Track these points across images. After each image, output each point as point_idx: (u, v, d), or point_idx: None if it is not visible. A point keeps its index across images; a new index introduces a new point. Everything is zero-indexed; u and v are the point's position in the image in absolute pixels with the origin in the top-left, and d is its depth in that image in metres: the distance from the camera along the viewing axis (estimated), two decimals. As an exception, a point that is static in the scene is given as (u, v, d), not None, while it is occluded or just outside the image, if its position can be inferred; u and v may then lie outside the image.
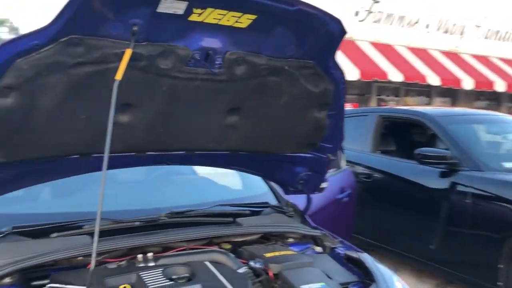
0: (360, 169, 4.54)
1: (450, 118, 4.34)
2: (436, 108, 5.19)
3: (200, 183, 2.69)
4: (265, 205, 2.28)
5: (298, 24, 1.55)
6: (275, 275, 1.75)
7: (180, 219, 1.92)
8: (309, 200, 2.28)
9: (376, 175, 4.47)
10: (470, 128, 4.29)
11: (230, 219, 2.03)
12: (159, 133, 1.74)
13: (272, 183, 2.52)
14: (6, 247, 1.57)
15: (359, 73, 11.18)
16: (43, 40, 1.26)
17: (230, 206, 2.18)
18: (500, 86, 13.59)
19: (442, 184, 3.79)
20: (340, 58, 11.24)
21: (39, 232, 1.70)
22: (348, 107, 12.06)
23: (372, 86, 13.24)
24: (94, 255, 1.28)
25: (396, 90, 13.79)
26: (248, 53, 1.60)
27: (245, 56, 1.60)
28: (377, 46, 12.61)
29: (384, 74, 11.72)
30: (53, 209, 2.06)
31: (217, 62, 1.56)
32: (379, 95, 13.66)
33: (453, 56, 13.95)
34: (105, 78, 1.39)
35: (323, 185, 2.67)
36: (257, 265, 1.79)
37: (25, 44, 1.25)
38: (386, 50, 12.62)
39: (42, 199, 2.17)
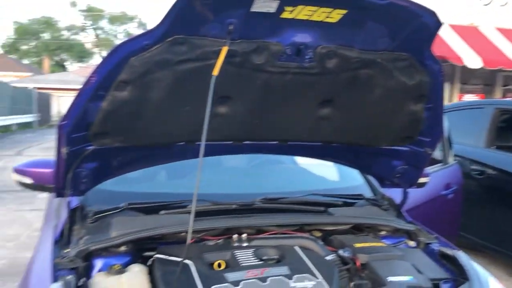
0: (472, 165, 4.27)
1: None
2: None
3: (297, 173, 2.78)
4: (359, 197, 2.30)
5: (389, 18, 1.55)
6: (363, 265, 1.79)
7: (274, 205, 2.04)
8: (405, 195, 2.25)
9: (491, 171, 4.16)
10: None
11: (322, 208, 2.10)
12: (255, 123, 1.87)
13: (369, 176, 2.52)
14: (122, 221, 1.82)
15: (482, 61, 10.34)
16: (152, 40, 1.43)
17: (323, 196, 2.23)
18: None
19: None
20: (461, 45, 10.55)
21: (150, 209, 1.93)
22: (473, 98, 11.24)
23: (497, 76, 12.15)
24: (190, 231, 1.44)
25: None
26: (340, 47, 1.64)
27: (336, 49, 1.64)
28: (504, 32, 11.54)
29: (510, 62, 10.70)
30: (163, 189, 2.30)
31: (308, 56, 1.63)
32: (506, 86, 12.49)
33: None
34: (205, 73, 1.53)
35: (423, 180, 2.61)
36: (345, 254, 1.84)
37: (137, 45, 1.44)
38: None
39: (155, 180, 2.43)
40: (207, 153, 2.06)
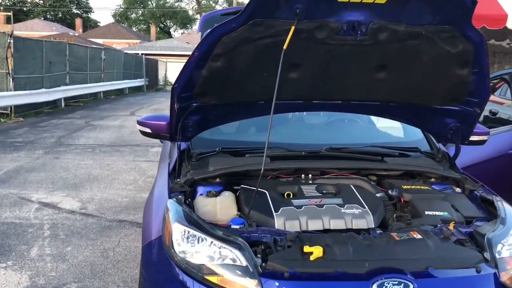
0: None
1: None
2: None
3: (367, 129, 3.18)
4: (415, 149, 2.66)
5: None
6: (406, 201, 2.20)
7: (337, 153, 2.49)
8: (457, 149, 2.56)
9: None
10: None
11: (379, 157, 2.50)
12: (320, 86, 2.31)
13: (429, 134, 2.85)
14: (217, 160, 2.39)
15: None
16: (238, 24, 1.92)
17: (382, 148, 2.63)
18: None
19: None
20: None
21: (238, 153, 2.49)
22: None
23: None
24: (263, 165, 1.95)
25: None
26: (389, 22, 2.00)
27: (386, 24, 2.00)
28: None
29: None
30: (249, 139, 2.85)
31: (362, 31, 2.01)
32: None
33: None
34: (278, 47, 1.99)
35: (483, 137, 2.88)
36: (393, 193, 2.25)
37: (228, 27, 1.94)
38: None
39: (243, 131, 2.99)
40: (283, 110, 2.58)
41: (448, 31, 2.03)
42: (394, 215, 2.10)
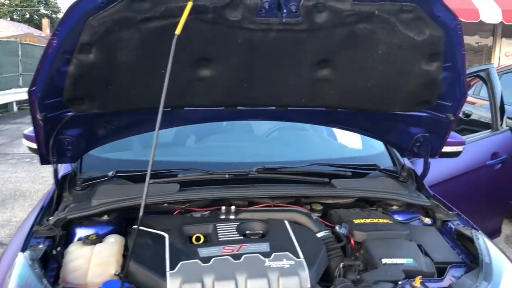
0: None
1: None
2: None
3: (315, 141, 2.59)
4: (372, 167, 2.09)
5: None
6: (359, 243, 1.62)
7: (271, 175, 1.90)
8: (426, 165, 2.01)
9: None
10: None
11: (326, 179, 1.92)
12: (244, 87, 1.72)
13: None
14: (108, 189, 1.77)
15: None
16: None
17: (330, 166, 2.05)
18: None
19: None
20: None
21: (139, 177, 1.86)
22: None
23: None
24: (143, 200, 1.34)
25: None
26: None
27: (325, 1, 1.43)
28: None
29: None
30: (160, 156, 2.21)
31: (291, 10, 1.43)
32: None
33: None
34: (174, 33, 1.40)
35: (457, 148, 2.35)
36: (342, 231, 1.67)
37: (91, 4, 1.33)
38: None
39: (146, 147, 2.30)
40: (200, 120, 1.96)
41: (410, 11, 1.48)
42: (341, 264, 1.52)
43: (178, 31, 1.35)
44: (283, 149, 2.40)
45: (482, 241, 1.62)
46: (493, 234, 3.15)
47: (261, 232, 1.62)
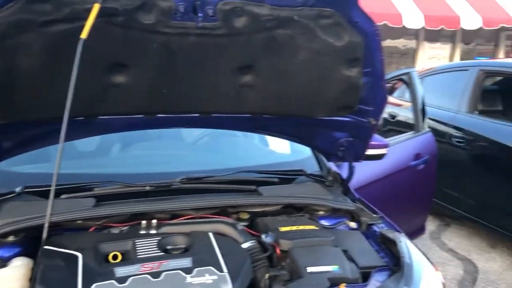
0: (452, 131, 4.01)
1: None
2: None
3: (244, 147, 2.54)
4: (299, 172, 2.07)
5: None
6: (285, 252, 1.59)
7: (196, 186, 1.82)
8: (351, 169, 2.02)
9: (472, 138, 3.88)
10: None
11: (252, 187, 1.88)
12: (164, 94, 1.63)
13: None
14: (14, 207, 1.62)
15: (482, 21, 9.89)
16: None
17: (257, 173, 2.01)
18: None
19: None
20: (461, 2, 10.06)
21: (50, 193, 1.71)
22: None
23: (501, 35, 11.68)
24: (47, 219, 1.23)
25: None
26: (247, 2, 1.39)
27: (243, 6, 1.40)
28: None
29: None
30: (71, 169, 2.08)
31: (207, 14, 1.38)
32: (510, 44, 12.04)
33: None
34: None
35: (381, 151, 2.39)
36: (268, 240, 1.64)
37: None
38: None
39: (62, 159, 2.16)
40: (119, 129, 1.85)
41: (329, 16, 1.47)
42: (267, 275, 1.48)
43: (84, 35, 1.25)
44: (210, 157, 2.33)
45: (404, 244, 1.64)
46: (419, 232, 3.27)
47: (183, 246, 1.55)
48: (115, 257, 1.48)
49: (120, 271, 1.37)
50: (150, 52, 1.46)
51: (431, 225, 4.15)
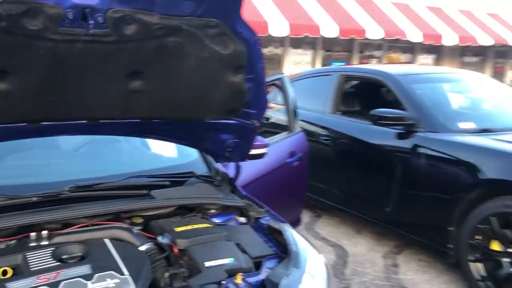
0: (320, 131, 4.43)
1: (411, 77, 4.14)
2: (399, 67, 5.01)
3: (131, 151, 2.54)
4: (189, 174, 2.16)
5: None
6: (182, 251, 1.65)
7: (86, 193, 1.80)
8: (238, 168, 2.16)
9: (336, 136, 4.34)
10: (430, 88, 4.12)
11: (144, 191, 1.91)
12: (50, 101, 1.59)
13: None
14: None
15: (339, 30, 10.92)
16: None
17: (148, 177, 2.05)
18: (485, 40, 13.40)
19: (399, 145, 3.68)
20: (320, 14, 11.00)
21: None
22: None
23: (354, 43, 12.99)
24: None
25: (379, 46, 13.56)
26: (137, 11, 1.43)
27: (133, 14, 1.43)
28: (358, 1, 12.31)
29: (362, 31, 11.45)
30: None
31: (97, 21, 1.39)
32: (362, 52, 13.45)
33: (436, 11, 13.67)
34: None
35: (262, 151, 2.57)
36: (164, 241, 1.69)
37: None
38: (367, 5, 12.31)
39: None
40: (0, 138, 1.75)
41: (215, 26, 1.58)
42: (167, 274, 1.54)
43: None
44: (97, 164, 2.29)
45: (290, 233, 1.82)
46: (295, 223, 3.54)
47: (80, 254, 1.53)
48: (4, 272, 1.41)
49: (13, 286, 1.32)
50: (35, 58, 1.42)
51: (305, 217, 4.49)
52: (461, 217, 3.15)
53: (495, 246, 2.98)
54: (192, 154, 2.41)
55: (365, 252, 3.96)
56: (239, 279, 1.51)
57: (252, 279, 1.55)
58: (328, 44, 12.42)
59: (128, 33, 1.47)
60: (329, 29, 10.85)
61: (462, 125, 3.60)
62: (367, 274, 3.54)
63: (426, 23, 12.77)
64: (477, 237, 3.07)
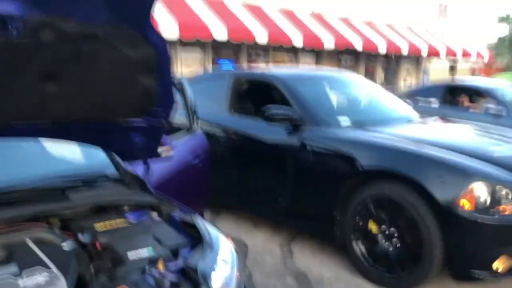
0: (218, 130, 4.65)
1: (296, 78, 4.57)
2: (285, 69, 5.44)
3: (39, 155, 2.52)
4: (100, 175, 2.24)
5: None
6: (105, 246, 1.76)
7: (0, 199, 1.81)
8: (147, 167, 2.29)
9: (232, 135, 4.61)
10: (313, 87, 4.56)
11: (58, 193, 1.97)
12: None
13: (113, 153, 2.47)
14: None
15: (227, 34, 11.29)
16: None
17: (60, 179, 2.10)
18: (358, 45, 14.81)
19: (287, 141, 4.02)
20: (211, 18, 11.27)
21: None
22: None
23: (243, 47, 13.50)
24: None
25: (266, 50, 14.23)
26: (54, 18, 1.52)
27: (50, 20, 1.51)
28: (247, 7, 12.86)
29: (251, 35, 11.98)
30: None
31: (16, 27, 1.45)
32: (250, 55, 14.03)
33: (318, 18, 14.81)
34: None
35: (168, 152, 2.71)
36: (85, 237, 1.78)
37: None
38: (256, 11, 12.91)
39: None
40: None
41: (127, 33, 1.71)
42: (92, 267, 1.64)
43: None
44: (5, 169, 2.25)
45: (201, 223, 2.01)
46: (199, 220, 3.71)
47: (4, 257, 1.57)
48: None
49: None
50: None
51: (206, 215, 4.67)
52: (344, 203, 3.58)
53: (372, 226, 3.45)
54: (99, 155, 2.47)
55: (263, 243, 4.25)
56: (160, 265, 1.67)
57: (172, 265, 1.71)
58: (219, 46, 12.76)
59: (44, 38, 1.54)
60: (220, 33, 11.19)
61: (342, 119, 4.07)
62: (266, 262, 3.83)
63: (309, 29, 13.77)
64: (357, 218, 3.51)
